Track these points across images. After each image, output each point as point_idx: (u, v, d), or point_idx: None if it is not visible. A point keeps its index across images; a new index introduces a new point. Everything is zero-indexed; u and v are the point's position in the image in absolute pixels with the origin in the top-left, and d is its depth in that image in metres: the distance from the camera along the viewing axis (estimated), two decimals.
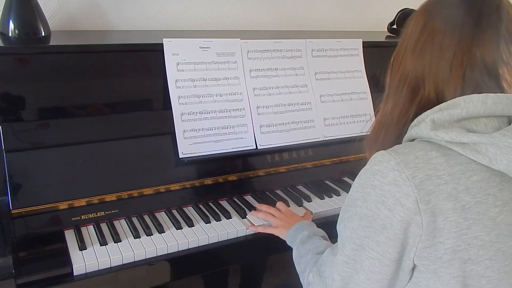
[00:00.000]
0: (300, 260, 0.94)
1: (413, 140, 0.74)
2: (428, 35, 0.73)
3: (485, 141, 0.65)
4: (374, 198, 0.69)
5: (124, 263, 1.03)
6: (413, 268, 0.71)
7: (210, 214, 1.21)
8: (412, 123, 0.74)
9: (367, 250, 0.71)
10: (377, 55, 1.57)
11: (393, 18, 1.86)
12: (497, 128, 0.69)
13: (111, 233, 1.10)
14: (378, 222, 0.69)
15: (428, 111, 0.71)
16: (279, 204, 1.23)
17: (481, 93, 0.68)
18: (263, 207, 1.23)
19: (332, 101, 1.48)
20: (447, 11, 0.73)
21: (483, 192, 0.66)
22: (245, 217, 1.22)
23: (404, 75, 0.76)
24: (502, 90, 0.70)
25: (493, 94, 0.68)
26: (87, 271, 0.99)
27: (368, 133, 0.85)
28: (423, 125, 0.70)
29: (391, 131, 0.79)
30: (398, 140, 0.78)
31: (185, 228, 1.15)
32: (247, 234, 1.17)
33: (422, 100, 0.74)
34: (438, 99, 0.72)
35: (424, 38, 0.73)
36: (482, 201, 0.66)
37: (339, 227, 0.77)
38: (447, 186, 0.65)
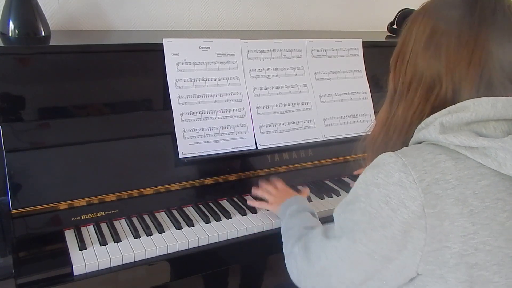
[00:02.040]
0: (287, 232, 0.96)
1: (420, 143, 0.74)
2: (442, 34, 0.72)
3: (495, 146, 0.64)
4: (377, 196, 0.69)
5: (124, 263, 1.03)
6: (418, 274, 0.70)
7: (210, 214, 1.21)
8: (419, 126, 0.74)
9: (358, 244, 0.71)
10: (377, 55, 1.57)
11: (393, 18, 1.86)
12: (506, 132, 0.68)
13: (111, 233, 1.09)
14: (379, 220, 0.68)
15: (437, 113, 0.71)
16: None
17: (496, 92, 0.68)
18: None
19: (332, 101, 1.48)
20: (459, 11, 0.72)
21: (491, 196, 0.65)
22: (245, 216, 1.22)
23: (418, 76, 0.75)
24: None
25: (503, 97, 0.67)
26: (87, 271, 0.99)
27: (372, 139, 0.84)
28: (431, 128, 0.70)
29: (403, 134, 0.78)
30: (405, 144, 0.78)
31: (185, 228, 1.15)
32: (247, 234, 1.17)
33: (438, 99, 0.73)
34: (455, 98, 0.71)
35: (437, 37, 0.73)
36: (490, 206, 0.65)
37: (339, 217, 0.77)
38: (455, 190, 0.65)
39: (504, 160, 0.64)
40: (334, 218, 0.79)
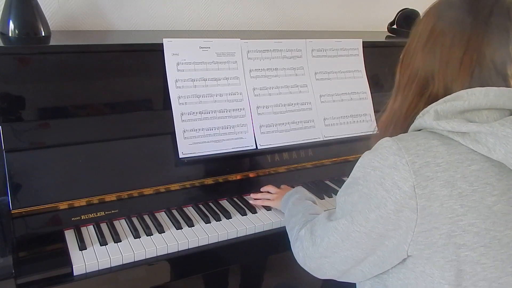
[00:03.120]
0: (291, 219, 1.00)
1: (418, 130, 0.77)
2: (439, 34, 0.75)
3: (484, 131, 0.67)
4: (373, 178, 0.72)
5: (124, 263, 1.03)
6: (408, 255, 0.73)
7: (210, 214, 1.21)
8: (418, 115, 0.77)
9: (356, 224, 0.74)
10: (377, 55, 1.57)
11: (393, 18, 1.86)
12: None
13: (111, 233, 1.09)
14: (374, 201, 0.71)
15: (433, 103, 0.74)
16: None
17: None
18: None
19: (332, 101, 1.48)
20: (457, 12, 0.75)
21: (481, 181, 0.68)
22: (245, 216, 1.22)
23: (414, 72, 0.79)
24: None
25: (496, 87, 0.70)
26: (87, 271, 0.99)
27: (380, 131, 0.87)
28: (426, 116, 0.73)
29: (399, 126, 0.81)
30: None
31: (185, 228, 1.15)
32: (247, 234, 1.17)
33: (431, 96, 0.76)
34: (446, 95, 0.74)
35: (434, 36, 0.76)
36: (478, 190, 0.67)
37: (340, 199, 0.80)
38: (445, 173, 0.68)
39: (494, 145, 0.66)
40: (336, 200, 0.82)
